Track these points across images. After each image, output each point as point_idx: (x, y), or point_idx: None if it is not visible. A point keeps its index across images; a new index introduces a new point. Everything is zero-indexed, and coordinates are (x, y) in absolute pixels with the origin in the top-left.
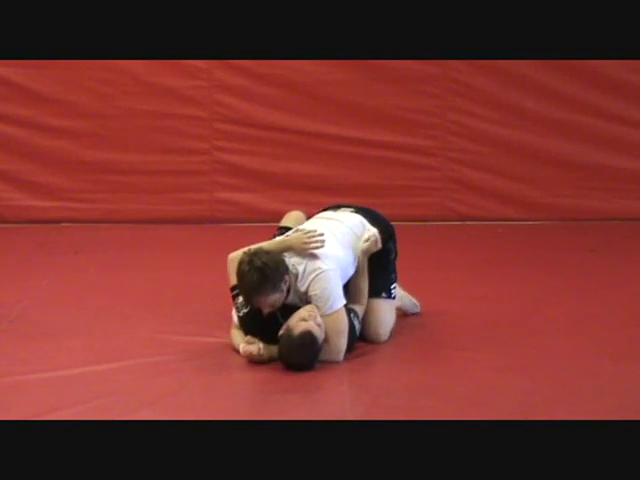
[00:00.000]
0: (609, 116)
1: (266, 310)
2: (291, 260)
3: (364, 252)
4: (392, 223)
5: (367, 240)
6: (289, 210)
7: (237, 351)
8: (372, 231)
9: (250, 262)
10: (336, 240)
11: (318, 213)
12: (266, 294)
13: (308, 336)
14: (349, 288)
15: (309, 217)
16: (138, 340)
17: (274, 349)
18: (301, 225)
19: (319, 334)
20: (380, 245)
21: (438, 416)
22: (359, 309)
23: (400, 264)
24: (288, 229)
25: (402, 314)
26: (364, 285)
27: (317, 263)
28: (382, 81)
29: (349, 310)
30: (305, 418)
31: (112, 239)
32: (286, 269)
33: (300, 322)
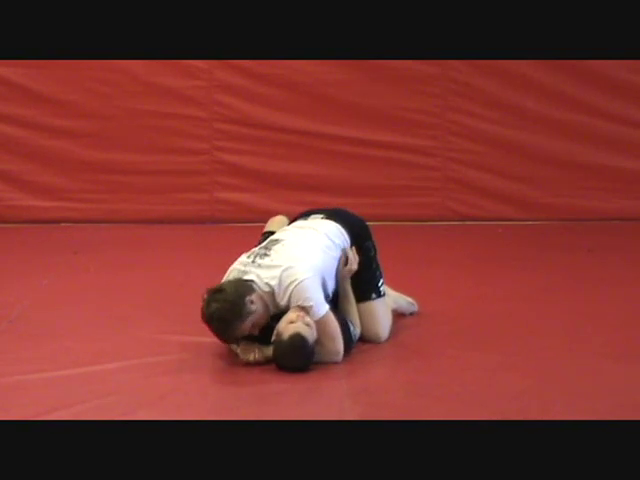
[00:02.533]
0: (609, 116)
1: (253, 332)
2: (263, 277)
3: (344, 277)
4: (383, 222)
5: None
6: (289, 210)
7: (235, 353)
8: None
9: (209, 310)
10: (311, 246)
11: (290, 223)
12: (236, 328)
13: (298, 338)
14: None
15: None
16: (138, 340)
17: (269, 350)
18: (276, 234)
19: (309, 334)
20: (356, 266)
21: (436, 416)
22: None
23: (399, 264)
24: (272, 234)
25: (401, 314)
26: (352, 309)
27: (292, 275)
28: (382, 81)
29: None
30: (304, 418)
31: (112, 239)
32: (245, 291)
33: (288, 325)
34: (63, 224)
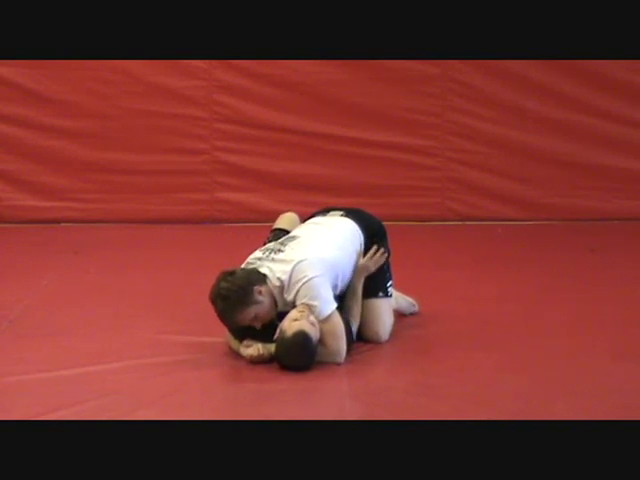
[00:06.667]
0: (609, 116)
1: (255, 324)
2: (275, 271)
3: (360, 271)
4: (384, 222)
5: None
6: (289, 210)
7: (236, 352)
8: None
9: (217, 288)
10: (326, 243)
11: (308, 219)
12: (237, 312)
13: (301, 336)
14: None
15: (303, 220)
16: (138, 340)
17: (272, 348)
18: (293, 231)
19: (313, 332)
20: (374, 269)
21: (437, 416)
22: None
23: (400, 264)
24: (281, 231)
25: (401, 314)
26: (357, 309)
27: (303, 271)
28: (382, 81)
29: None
30: (304, 418)
31: (112, 239)
32: (256, 280)
33: (292, 323)
34: (63, 224)
